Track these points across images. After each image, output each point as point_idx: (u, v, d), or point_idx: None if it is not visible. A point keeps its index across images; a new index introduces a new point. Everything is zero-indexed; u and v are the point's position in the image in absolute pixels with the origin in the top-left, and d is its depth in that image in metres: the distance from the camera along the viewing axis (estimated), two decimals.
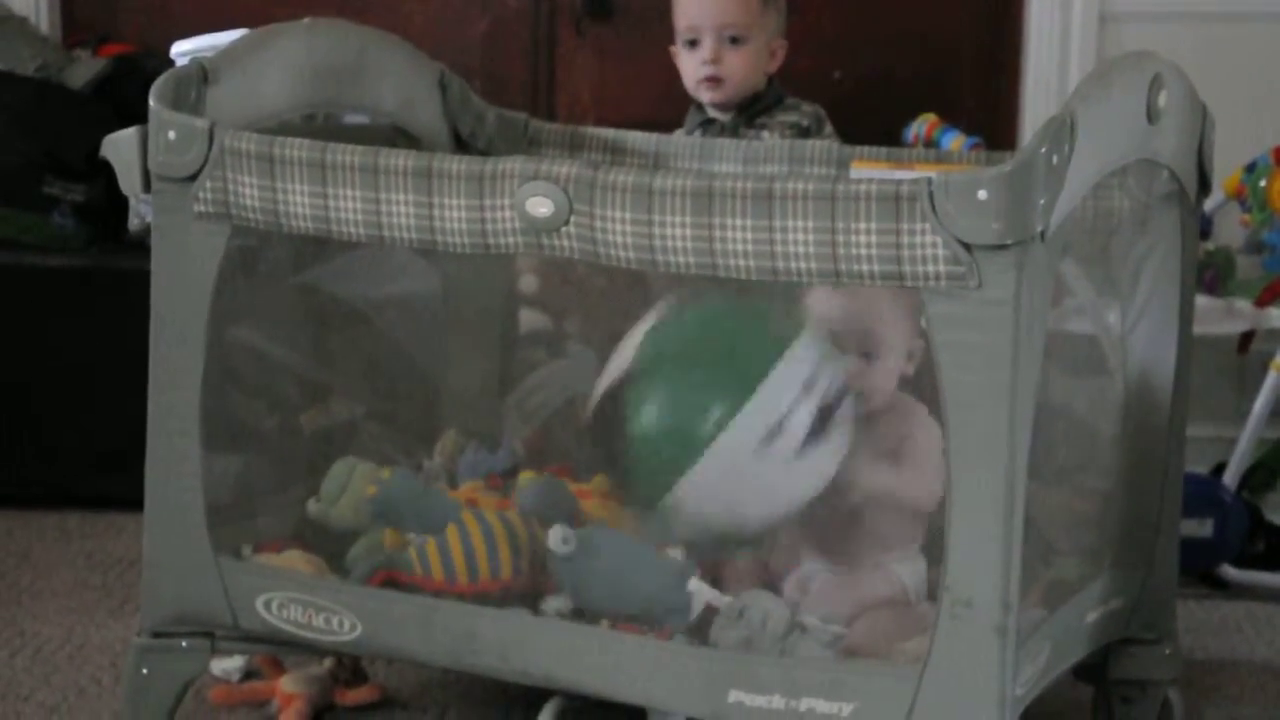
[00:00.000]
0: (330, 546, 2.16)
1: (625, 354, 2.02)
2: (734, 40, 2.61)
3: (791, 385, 1.95)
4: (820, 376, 1.96)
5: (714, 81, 2.62)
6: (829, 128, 2.64)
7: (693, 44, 2.63)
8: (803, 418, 1.95)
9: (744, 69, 2.61)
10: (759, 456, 1.94)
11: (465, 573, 2.06)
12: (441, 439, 2.36)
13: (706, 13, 2.61)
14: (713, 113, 2.66)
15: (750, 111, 2.65)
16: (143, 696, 2.10)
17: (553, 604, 2.02)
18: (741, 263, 1.80)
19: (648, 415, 1.99)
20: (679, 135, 2.58)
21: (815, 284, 1.79)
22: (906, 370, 2.01)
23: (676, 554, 2.05)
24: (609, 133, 2.43)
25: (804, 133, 2.62)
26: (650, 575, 2.01)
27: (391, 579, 2.08)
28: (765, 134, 2.60)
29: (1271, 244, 2.72)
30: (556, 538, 1.99)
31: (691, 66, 2.63)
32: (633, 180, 1.82)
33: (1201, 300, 2.68)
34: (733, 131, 2.63)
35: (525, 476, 2.22)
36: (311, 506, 2.23)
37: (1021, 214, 1.71)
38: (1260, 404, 2.72)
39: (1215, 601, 2.70)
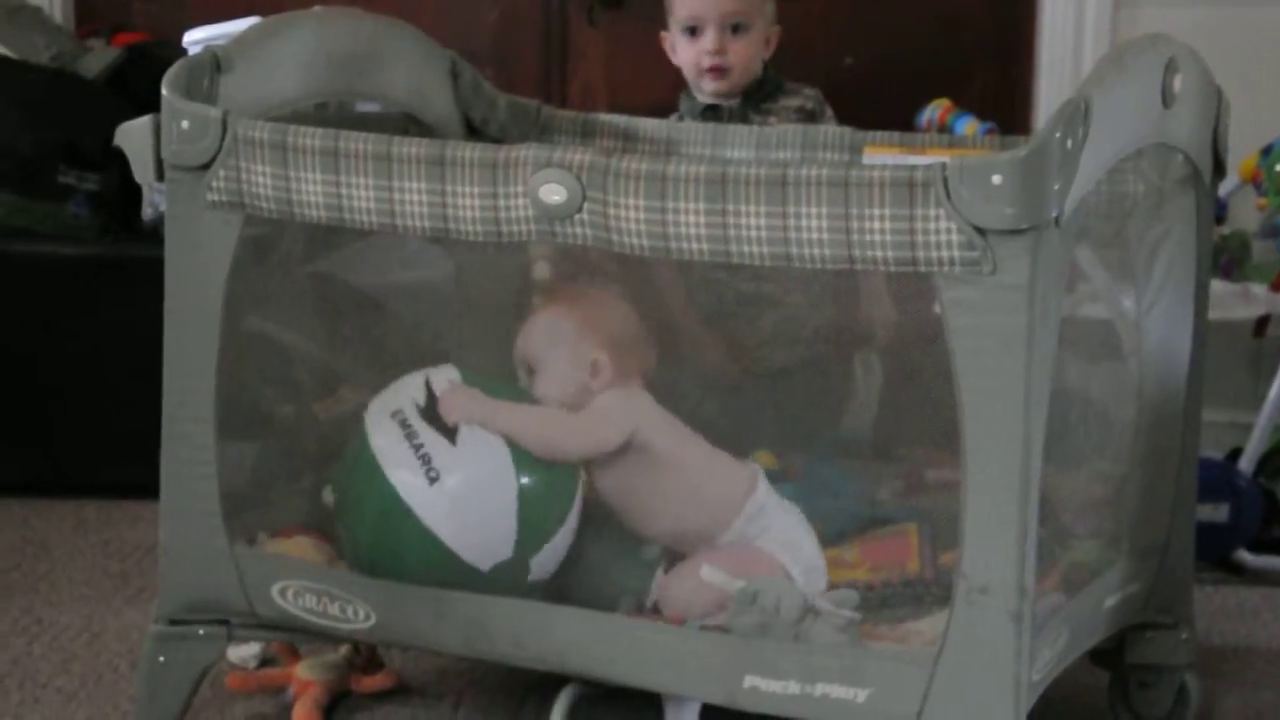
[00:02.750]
0: None
1: None
2: (735, 29, 2.59)
3: (392, 431, 2.03)
4: (407, 414, 2.03)
5: (719, 72, 2.60)
6: (829, 110, 2.63)
7: (693, 32, 2.61)
8: (431, 441, 2.00)
9: (747, 57, 2.60)
10: (445, 485, 1.99)
11: None
12: None
13: (710, 2, 2.59)
14: (707, 98, 2.64)
15: (755, 98, 2.63)
16: (160, 684, 2.11)
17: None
18: (755, 249, 1.79)
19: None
20: (673, 121, 2.56)
21: (829, 269, 1.78)
22: (582, 384, 2.07)
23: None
24: (621, 120, 2.42)
25: (809, 116, 2.61)
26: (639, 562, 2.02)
27: None
28: (772, 119, 2.59)
29: None
30: None
31: (692, 55, 2.61)
32: (646, 167, 1.82)
33: (1217, 285, 2.67)
34: (740, 118, 2.62)
35: None
36: (327, 495, 2.23)
37: (1036, 199, 1.70)
38: (1276, 389, 2.71)
39: (1231, 587, 2.70)
